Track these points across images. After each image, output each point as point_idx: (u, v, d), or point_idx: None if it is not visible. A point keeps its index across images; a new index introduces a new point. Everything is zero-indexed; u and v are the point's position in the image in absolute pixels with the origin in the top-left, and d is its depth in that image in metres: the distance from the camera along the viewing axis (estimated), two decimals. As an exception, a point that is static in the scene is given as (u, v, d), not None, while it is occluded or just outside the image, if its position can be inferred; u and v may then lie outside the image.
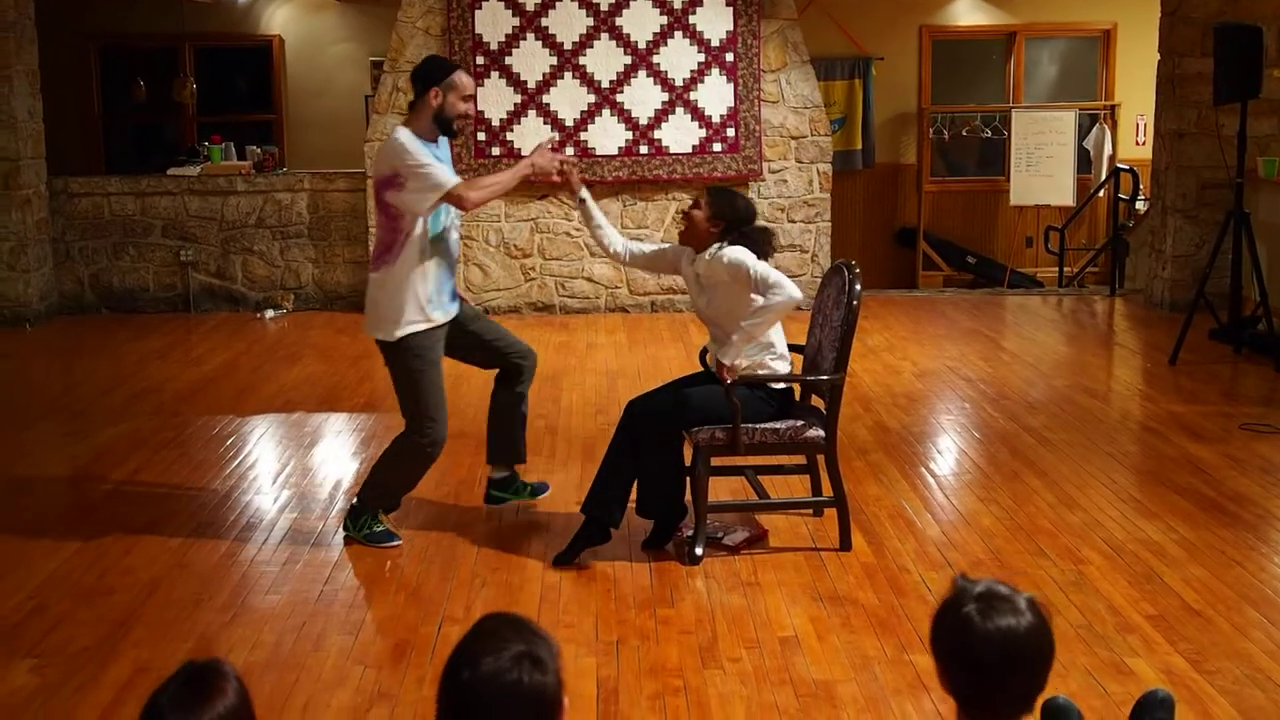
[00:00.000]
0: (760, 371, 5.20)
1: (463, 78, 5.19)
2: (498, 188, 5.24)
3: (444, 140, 5.28)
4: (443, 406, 5.26)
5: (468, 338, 5.43)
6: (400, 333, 5.14)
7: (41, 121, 10.69)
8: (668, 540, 5.28)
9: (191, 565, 5.22)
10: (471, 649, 2.16)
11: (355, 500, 5.47)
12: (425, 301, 5.15)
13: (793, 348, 5.59)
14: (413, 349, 5.17)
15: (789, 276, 5.23)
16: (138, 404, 7.85)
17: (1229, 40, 8.47)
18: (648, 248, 5.59)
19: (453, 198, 5.05)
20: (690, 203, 5.34)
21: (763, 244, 5.20)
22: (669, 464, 5.22)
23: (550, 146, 5.46)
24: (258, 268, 10.91)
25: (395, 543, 5.34)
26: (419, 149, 5.04)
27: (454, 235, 5.30)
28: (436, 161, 5.06)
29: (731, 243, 5.15)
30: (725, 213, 5.18)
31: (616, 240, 5.52)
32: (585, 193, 5.52)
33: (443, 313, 5.24)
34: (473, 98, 5.29)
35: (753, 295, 5.05)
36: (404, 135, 5.09)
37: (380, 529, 5.37)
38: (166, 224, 10.87)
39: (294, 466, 6.57)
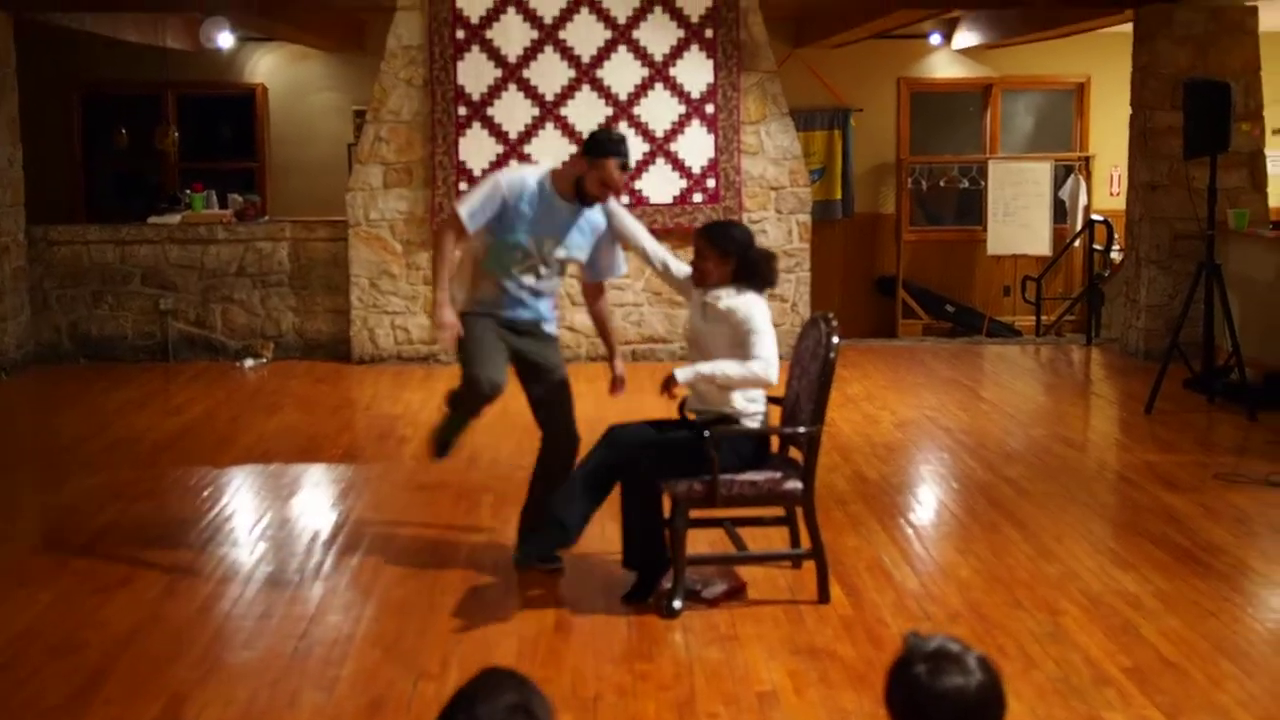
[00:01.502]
0: (724, 409, 5.24)
1: (613, 167, 5.38)
2: (436, 260, 5.57)
3: (585, 211, 5.50)
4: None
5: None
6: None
7: (21, 169, 10.69)
8: (650, 594, 5.27)
9: (166, 619, 5.18)
10: (469, 695, 2.18)
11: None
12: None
13: (771, 399, 5.62)
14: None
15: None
16: (114, 454, 7.82)
17: (1198, 95, 8.57)
18: (677, 270, 5.67)
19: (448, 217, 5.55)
20: (694, 253, 5.40)
21: (768, 273, 5.35)
22: (651, 516, 5.22)
23: None
24: (238, 316, 10.89)
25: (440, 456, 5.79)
26: (503, 186, 5.43)
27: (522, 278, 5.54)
28: (478, 198, 5.40)
29: (745, 280, 5.27)
30: (730, 247, 5.30)
31: (658, 252, 5.70)
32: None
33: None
34: (611, 187, 5.44)
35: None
36: (524, 173, 5.54)
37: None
38: (146, 272, 10.85)
39: (271, 518, 6.55)
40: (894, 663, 2.35)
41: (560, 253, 5.52)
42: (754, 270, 5.29)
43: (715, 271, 5.31)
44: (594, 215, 5.55)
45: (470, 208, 5.39)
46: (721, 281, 5.30)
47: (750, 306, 5.21)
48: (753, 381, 5.18)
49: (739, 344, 5.18)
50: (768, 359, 5.14)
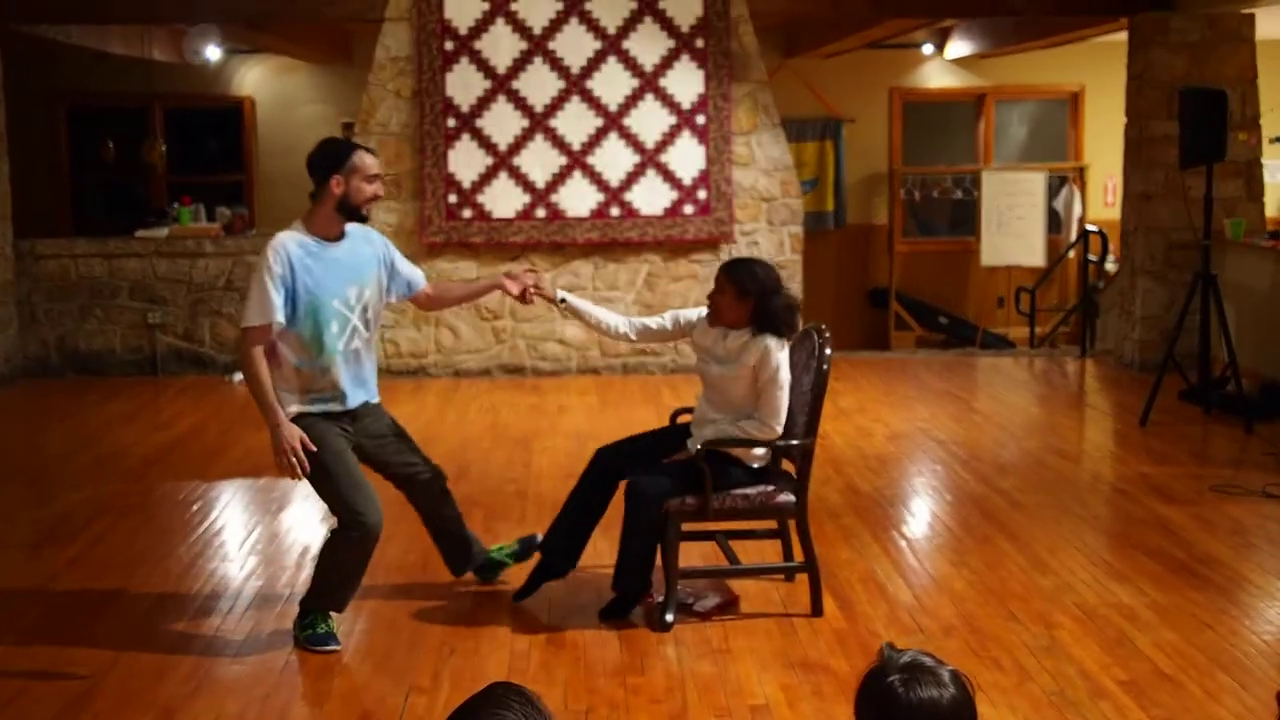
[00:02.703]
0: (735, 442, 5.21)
1: (365, 158, 4.88)
2: (253, 385, 4.81)
3: (357, 233, 4.99)
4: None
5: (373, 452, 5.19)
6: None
7: (8, 183, 10.63)
8: (627, 612, 5.22)
9: (155, 634, 5.14)
10: (470, 710, 2.14)
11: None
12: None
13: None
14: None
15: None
16: (103, 468, 7.76)
17: (1194, 104, 8.53)
18: (652, 322, 5.51)
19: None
20: (713, 288, 5.23)
21: (785, 324, 5.14)
22: (649, 545, 5.16)
23: (520, 275, 5.39)
24: (226, 330, 10.83)
25: (333, 647, 4.97)
26: (268, 266, 4.74)
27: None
28: (259, 294, 4.74)
29: (758, 322, 5.11)
30: (750, 287, 5.10)
31: (616, 321, 5.49)
32: (561, 294, 5.50)
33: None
34: (379, 176, 4.95)
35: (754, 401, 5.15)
36: (276, 241, 4.82)
37: (322, 630, 5.01)
38: (134, 286, 10.80)
39: (260, 532, 6.50)
40: (867, 673, 2.34)
41: (368, 294, 4.97)
42: (771, 318, 5.10)
43: (730, 311, 5.15)
44: (361, 238, 5.01)
45: (259, 308, 4.73)
46: (735, 323, 5.16)
47: (773, 359, 5.07)
48: (762, 440, 5.17)
49: (758, 394, 5.13)
50: (778, 418, 5.13)
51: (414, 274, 5.27)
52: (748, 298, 5.10)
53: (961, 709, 2.29)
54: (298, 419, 4.85)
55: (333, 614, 5.05)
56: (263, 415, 4.80)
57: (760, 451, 5.24)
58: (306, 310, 4.80)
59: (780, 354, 5.10)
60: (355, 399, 5.01)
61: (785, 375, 5.11)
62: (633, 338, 5.50)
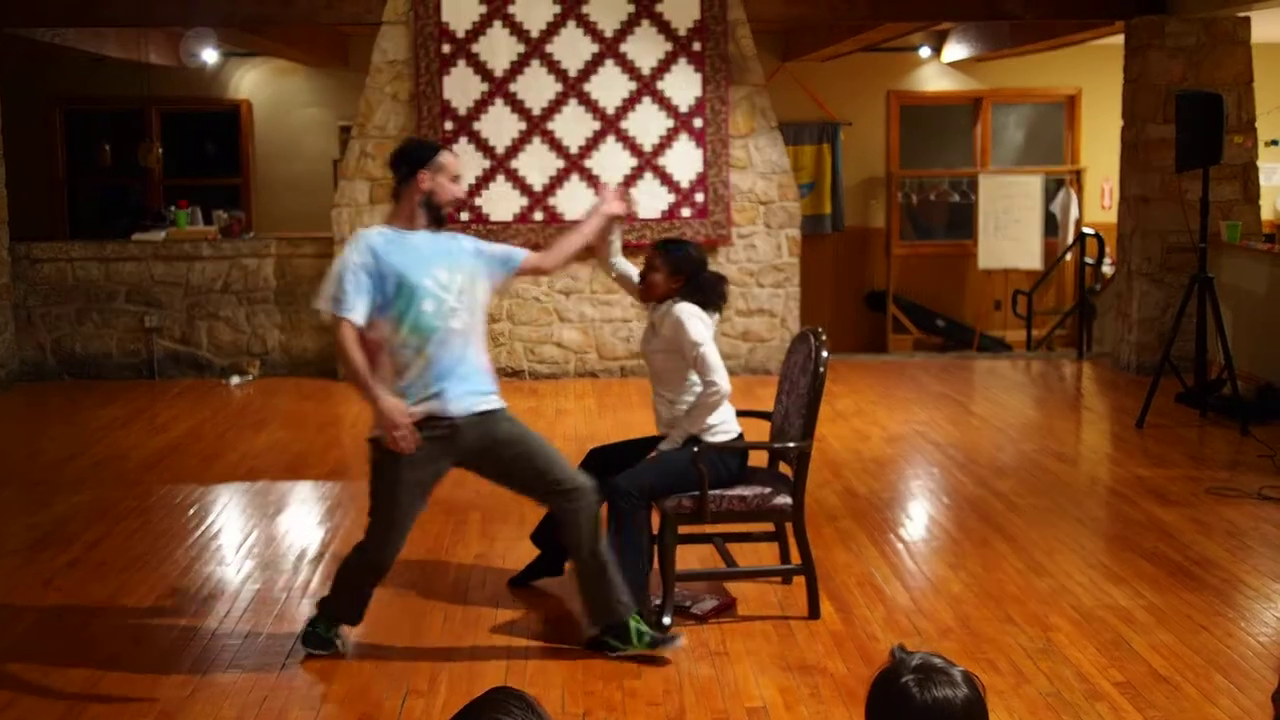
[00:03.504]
0: (707, 437, 5.22)
1: (450, 157, 4.85)
2: (347, 367, 4.73)
3: (440, 233, 4.88)
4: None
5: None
6: None
7: (4, 186, 10.62)
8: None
9: (152, 638, 5.14)
10: (470, 715, 2.15)
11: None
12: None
13: (760, 414, 5.62)
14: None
15: (759, 341, 5.25)
16: (100, 472, 7.76)
17: (1190, 107, 8.55)
18: (635, 274, 5.52)
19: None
20: (645, 264, 5.38)
21: (715, 294, 5.35)
22: (632, 545, 5.10)
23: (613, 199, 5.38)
24: (223, 334, 10.83)
25: (325, 651, 4.95)
26: (347, 259, 4.68)
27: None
28: (344, 286, 4.63)
29: (686, 296, 5.27)
30: (684, 266, 5.31)
31: (618, 258, 5.54)
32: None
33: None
34: (461, 177, 4.98)
35: (690, 374, 5.25)
36: (356, 235, 4.79)
37: (320, 634, 4.99)
38: (130, 289, 10.79)
39: (258, 536, 6.50)
40: (879, 675, 2.35)
41: (460, 279, 4.80)
42: (699, 292, 5.30)
43: (662, 286, 5.32)
44: (443, 234, 4.89)
45: (343, 300, 4.63)
46: (665, 298, 5.32)
47: (687, 320, 5.18)
48: (717, 402, 5.19)
49: (690, 363, 5.20)
50: (716, 373, 5.15)
51: (509, 251, 5.11)
52: (679, 276, 5.29)
53: (973, 708, 2.30)
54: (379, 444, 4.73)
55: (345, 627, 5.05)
56: (362, 396, 4.70)
57: (719, 421, 5.24)
58: (397, 289, 4.67)
59: (691, 320, 5.18)
60: (456, 398, 4.75)
61: (703, 335, 5.17)
62: (612, 275, 5.59)
